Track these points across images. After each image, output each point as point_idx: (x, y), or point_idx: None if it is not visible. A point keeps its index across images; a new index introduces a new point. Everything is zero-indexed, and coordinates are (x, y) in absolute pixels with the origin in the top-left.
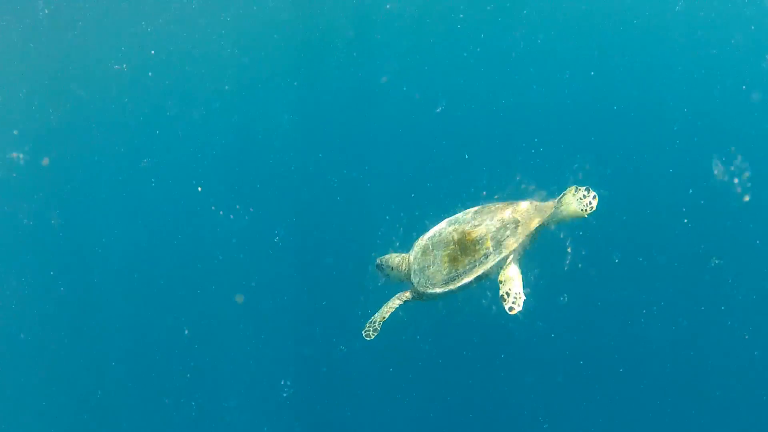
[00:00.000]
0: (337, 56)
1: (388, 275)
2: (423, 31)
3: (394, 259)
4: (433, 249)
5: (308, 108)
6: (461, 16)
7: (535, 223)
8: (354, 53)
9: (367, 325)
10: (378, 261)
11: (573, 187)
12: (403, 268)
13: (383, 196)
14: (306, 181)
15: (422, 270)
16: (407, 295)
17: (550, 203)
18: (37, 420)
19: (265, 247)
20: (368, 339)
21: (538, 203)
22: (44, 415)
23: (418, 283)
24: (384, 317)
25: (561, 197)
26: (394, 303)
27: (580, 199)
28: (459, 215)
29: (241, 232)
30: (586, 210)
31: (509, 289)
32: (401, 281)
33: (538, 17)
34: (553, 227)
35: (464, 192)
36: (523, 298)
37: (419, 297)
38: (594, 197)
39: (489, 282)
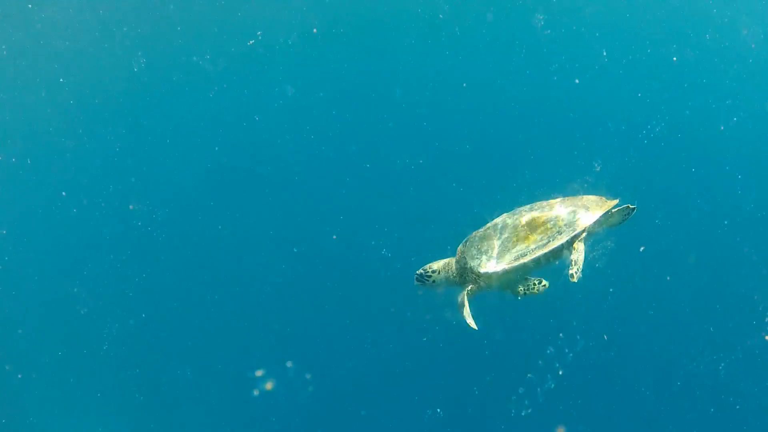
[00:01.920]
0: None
1: (433, 281)
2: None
3: (440, 262)
4: (495, 234)
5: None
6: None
7: (606, 207)
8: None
9: (466, 318)
10: (420, 271)
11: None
12: (451, 269)
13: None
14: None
15: (484, 253)
16: (468, 288)
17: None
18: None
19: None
20: (475, 327)
21: (602, 196)
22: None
23: (479, 265)
24: (467, 307)
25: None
26: (464, 295)
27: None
28: (519, 209)
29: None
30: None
31: (577, 259)
32: (448, 283)
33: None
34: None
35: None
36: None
37: (478, 286)
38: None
39: (557, 265)
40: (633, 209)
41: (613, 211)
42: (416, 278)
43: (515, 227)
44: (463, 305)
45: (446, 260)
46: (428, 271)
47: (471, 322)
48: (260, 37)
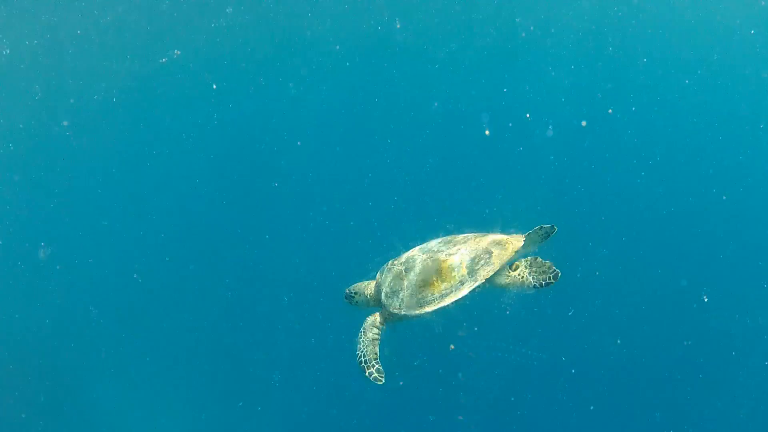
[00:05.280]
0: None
1: (357, 302)
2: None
3: (361, 285)
4: (406, 274)
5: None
6: None
7: (508, 255)
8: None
9: (367, 370)
10: (347, 290)
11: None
12: (370, 293)
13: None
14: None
15: (395, 293)
16: (379, 319)
17: (521, 237)
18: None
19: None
20: (381, 382)
21: (510, 236)
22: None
23: (390, 305)
24: (376, 354)
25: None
26: (372, 334)
27: (537, 273)
28: (431, 243)
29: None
30: (541, 285)
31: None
32: (368, 306)
33: None
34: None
35: (435, 222)
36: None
37: (390, 319)
38: (555, 276)
39: (463, 305)
40: (550, 230)
41: (520, 249)
42: (345, 295)
43: (422, 270)
44: (373, 348)
45: (367, 283)
46: (351, 292)
47: (376, 373)
48: (176, 55)
